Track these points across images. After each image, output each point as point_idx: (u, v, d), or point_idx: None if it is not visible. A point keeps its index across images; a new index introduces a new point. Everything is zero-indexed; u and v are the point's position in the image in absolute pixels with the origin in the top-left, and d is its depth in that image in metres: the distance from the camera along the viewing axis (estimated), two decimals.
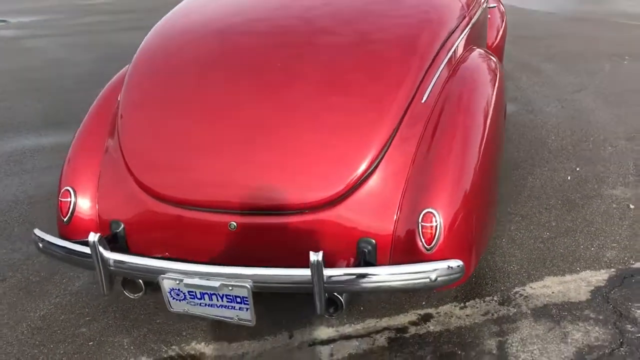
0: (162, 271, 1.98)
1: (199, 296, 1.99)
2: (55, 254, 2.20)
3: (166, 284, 1.98)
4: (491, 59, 2.62)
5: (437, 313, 2.34)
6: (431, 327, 2.26)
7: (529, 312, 2.31)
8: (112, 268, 2.05)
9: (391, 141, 2.06)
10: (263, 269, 1.93)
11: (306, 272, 1.85)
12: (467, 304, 2.39)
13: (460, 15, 2.68)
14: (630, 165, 3.63)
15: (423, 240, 1.92)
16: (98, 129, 2.47)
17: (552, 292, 2.42)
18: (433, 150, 2.06)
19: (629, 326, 2.20)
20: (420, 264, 1.87)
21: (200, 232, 2.11)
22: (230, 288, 1.92)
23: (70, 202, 2.27)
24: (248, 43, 2.48)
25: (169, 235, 2.16)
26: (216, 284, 1.92)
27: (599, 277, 2.51)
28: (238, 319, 2.00)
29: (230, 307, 1.98)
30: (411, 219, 1.96)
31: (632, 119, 4.43)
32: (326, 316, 2.02)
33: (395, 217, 1.98)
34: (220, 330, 2.32)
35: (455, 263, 1.88)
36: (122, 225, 2.21)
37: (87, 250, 2.09)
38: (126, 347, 2.25)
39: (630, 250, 2.70)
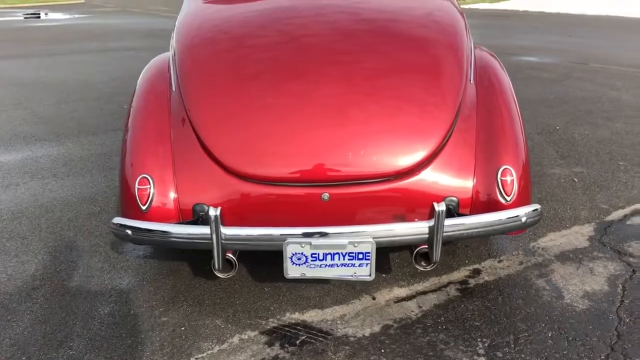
0: (285, 238, 2.10)
1: (321, 257, 2.13)
2: (153, 239, 2.19)
3: (290, 249, 2.10)
4: (485, 49, 3.09)
5: (483, 267, 2.69)
6: (486, 277, 2.61)
7: (553, 258, 2.76)
8: (230, 242, 2.12)
9: (458, 113, 2.40)
10: (384, 224, 2.14)
11: (426, 223, 2.11)
12: (501, 258, 2.78)
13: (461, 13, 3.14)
14: (553, 152, 4.35)
15: (503, 192, 2.28)
16: (157, 115, 2.49)
17: (560, 243, 2.91)
18: (490, 118, 2.45)
19: (631, 259, 2.74)
20: (516, 209, 2.21)
21: (292, 206, 2.25)
22: (355, 245, 2.10)
23: (149, 189, 2.28)
24: (315, 30, 2.71)
25: (259, 211, 2.27)
26: (344, 241, 2.09)
27: (587, 229, 3.06)
28: (356, 275, 2.17)
29: (350, 265, 2.15)
30: (489, 176, 2.31)
31: (535, 119, 5.24)
32: (420, 269, 2.27)
33: (472, 176, 2.31)
34: (303, 301, 2.44)
35: (536, 207, 2.25)
36: (207, 208, 2.26)
37: (191, 230, 2.14)
38: (222, 326, 2.29)
39: (597, 209, 3.30)
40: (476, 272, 2.65)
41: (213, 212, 2.06)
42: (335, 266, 2.16)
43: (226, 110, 2.37)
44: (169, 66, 2.79)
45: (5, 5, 27.13)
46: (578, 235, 2.99)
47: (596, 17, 16.22)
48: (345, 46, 2.63)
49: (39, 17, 20.17)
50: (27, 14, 21.67)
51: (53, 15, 20.64)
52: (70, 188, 3.75)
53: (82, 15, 19.91)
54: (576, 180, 3.76)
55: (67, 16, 19.89)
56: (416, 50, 2.62)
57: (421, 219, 2.27)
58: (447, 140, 2.33)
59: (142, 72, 2.87)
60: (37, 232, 3.12)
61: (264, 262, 2.71)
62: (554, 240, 2.94)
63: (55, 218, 3.29)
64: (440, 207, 2.07)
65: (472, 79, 2.63)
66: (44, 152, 4.53)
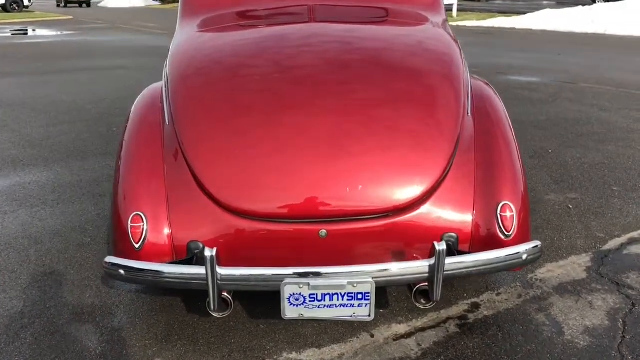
0: (282, 278, 2.06)
1: (319, 298, 2.09)
2: (147, 279, 2.14)
3: (288, 289, 2.06)
4: (480, 78, 3.08)
5: (482, 301, 2.66)
6: (485, 312, 2.57)
7: (551, 290, 2.73)
8: (226, 283, 2.07)
9: (457, 147, 2.38)
10: (384, 264, 2.10)
11: (426, 262, 2.08)
12: (499, 291, 2.74)
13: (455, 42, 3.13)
14: (546, 176, 4.34)
15: (503, 228, 2.25)
16: (150, 149, 2.45)
17: (558, 275, 2.88)
18: (489, 152, 2.43)
19: (630, 291, 2.72)
20: (517, 246, 2.18)
21: (289, 242, 2.22)
22: (354, 285, 2.06)
23: (143, 226, 2.23)
24: (309, 60, 2.68)
25: (255, 249, 2.23)
26: (343, 281, 2.05)
27: (584, 259, 3.04)
28: (355, 315, 2.13)
29: (349, 305, 2.11)
30: (488, 212, 2.28)
31: (527, 142, 5.25)
32: (420, 306, 2.23)
33: (472, 211, 2.29)
34: (299, 339, 2.39)
35: (536, 243, 2.23)
36: (202, 246, 2.22)
37: (186, 270, 2.10)
38: None
39: (593, 238, 3.29)
40: (475, 307, 2.61)
41: (209, 252, 2.02)
42: (334, 307, 2.11)
43: (220, 144, 2.33)
44: (161, 96, 2.75)
45: None
46: (575, 266, 2.97)
47: (584, 35, 16.41)
48: (340, 77, 2.60)
49: (27, 34, 20.08)
50: (15, 30, 21.56)
51: (41, 32, 20.56)
52: (59, 217, 3.68)
53: (70, 32, 19.84)
54: (571, 207, 3.75)
55: (56, 33, 19.81)
56: (412, 81, 2.60)
57: (421, 255, 2.24)
58: (446, 175, 2.30)
59: (135, 102, 2.83)
60: (26, 265, 3.05)
61: (259, 298, 2.66)
62: (552, 272, 2.91)
63: (44, 250, 3.22)
64: (441, 246, 2.04)
65: (469, 111, 2.61)
66: (32, 177, 4.45)
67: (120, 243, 2.27)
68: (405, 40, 2.97)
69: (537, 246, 2.21)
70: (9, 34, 19.54)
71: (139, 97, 2.90)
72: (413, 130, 2.38)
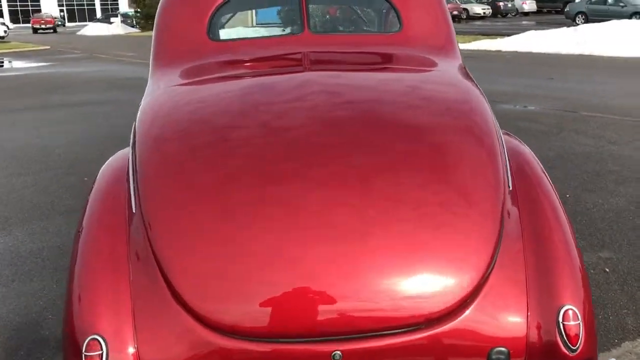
0: None
1: None
2: None
3: None
4: (511, 135, 2.59)
5: None
6: None
7: None
8: None
9: (501, 233, 1.88)
10: None
11: None
12: None
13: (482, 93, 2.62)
14: None
15: (567, 341, 1.75)
16: (111, 244, 1.93)
17: None
18: (540, 239, 1.94)
19: None
20: None
21: None
22: None
23: (102, 354, 1.70)
24: (300, 116, 2.19)
25: None
26: None
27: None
28: None
29: None
30: (547, 319, 1.78)
31: None
32: None
33: (525, 319, 1.78)
34: None
35: None
36: None
37: None
38: None
39: None
40: None
41: None
42: None
43: (200, 238, 1.81)
44: (128, 171, 2.23)
45: None
46: (633, 357, 2.48)
47: (571, 57, 16.19)
48: (346, 141, 2.10)
49: (2, 66, 19.49)
50: None
51: (17, 64, 19.98)
52: (14, 300, 3.12)
53: (46, 63, 19.24)
54: (607, 270, 3.27)
55: (32, 64, 19.23)
56: (436, 144, 2.10)
57: None
58: (491, 271, 1.81)
59: (98, 174, 2.31)
60: None
61: None
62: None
63: None
64: None
65: (510, 182, 2.12)
66: None
67: None
68: (422, 93, 2.48)
69: None
70: None
71: (103, 167, 2.38)
72: (444, 211, 1.87)
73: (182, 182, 1.99)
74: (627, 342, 2.59)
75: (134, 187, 2.06)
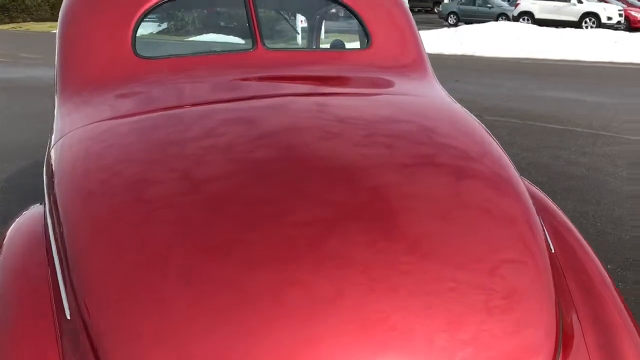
0: None
1: None
2: None
3: None
4: (529, 182, 2.16)
5: None
6: None
7: None
8: None
9: (560, 314, 1.43)
10: None
11: None
12: None
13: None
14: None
15: None
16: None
17: None
18: (593, 311, 1.55)
19: None
20: None
21: None
22: None
23: None
24: (294, 167, 1.59)
25: None
26: None
27: None
28: None
29: None
30: None
31: None
32: None
33: None
34: None
35: None
36: None
37: None
38: None
39: None
40: None
41: None
42: None
43: (154, 332, 1.22)
44: (47, 236, 1.56)
45: None
46: None
47: (456, 57, 16.39)
48: (343, 191, 1.52)
49: None
50: None
51: None
52: None
53: None
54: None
55: None
56: (461, 197, 1.60)
57: None
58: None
59: (4, 242, 1.62)
60: None
61: None
62: None
63: None
64: None
65: (552, 245, 1.70)
66: None
67: None
68: (421, 135, 1.93)
69: None
70: None
71: (9, 232, 1.68)
72: (487, 292, 1.37)
73: (125, 250, 1.38)
74: None
75: (58, 260, 1.42)
